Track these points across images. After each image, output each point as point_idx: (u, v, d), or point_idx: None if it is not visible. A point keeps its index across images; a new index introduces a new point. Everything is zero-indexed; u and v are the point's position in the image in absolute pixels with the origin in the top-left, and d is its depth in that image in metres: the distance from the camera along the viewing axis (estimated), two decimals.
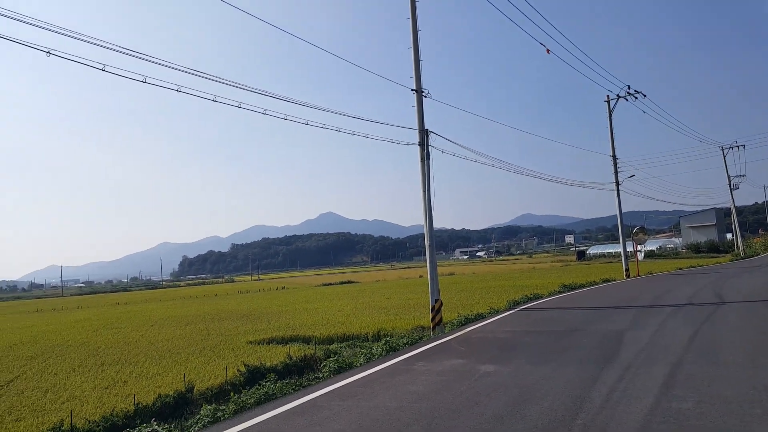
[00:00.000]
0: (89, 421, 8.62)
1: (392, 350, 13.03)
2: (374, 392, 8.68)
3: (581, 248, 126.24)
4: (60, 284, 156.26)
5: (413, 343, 14.00)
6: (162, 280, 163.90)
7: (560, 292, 27.37)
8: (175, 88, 12.54)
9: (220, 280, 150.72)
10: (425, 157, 17.41)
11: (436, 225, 18.21)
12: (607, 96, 39.50)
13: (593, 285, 31.73)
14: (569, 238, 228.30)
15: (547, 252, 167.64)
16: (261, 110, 14.89)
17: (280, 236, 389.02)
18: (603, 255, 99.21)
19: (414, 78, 17.50)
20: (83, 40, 10.79)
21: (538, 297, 24.98)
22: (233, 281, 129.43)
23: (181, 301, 52.03)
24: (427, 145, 17.52)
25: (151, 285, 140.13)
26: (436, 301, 16.36)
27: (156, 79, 12.01)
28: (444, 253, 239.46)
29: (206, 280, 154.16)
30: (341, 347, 15.52)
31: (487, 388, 8.47)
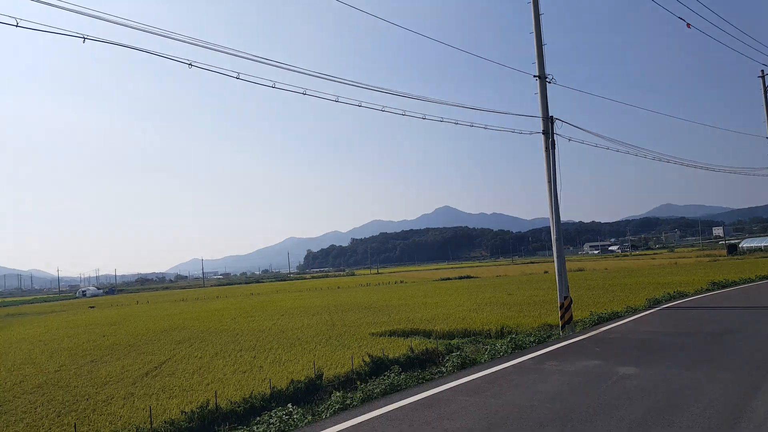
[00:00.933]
0: (231, 402, 9.45)
1: (518, 348, 12.65)
2: (502, 390, 8.48)
3: (732, 241, 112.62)
4: (201, 276, 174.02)
5: (541, 342, 13.49)
6: (289, 273, 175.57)
7: (709, 290, 24.70)
8: (301, 91, 13.30)
9: (342, 273, 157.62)
10: (550, 146, 16.61)
11: (563, 217, 17.30)
12: (762, 71, 34.82)
13: (749, 282, 28.22)
14: (717, 230, 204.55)
15: (692, 246, 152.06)
16: (380, 107, 15.25)
17: (397, 231, 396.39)
18: (759, 249, 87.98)
19: (536, 63, 16.75)
20: (221, 51, 11.81)
21: (682, 295, 22.77)
22: (354, 274, 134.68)
23: (307, 292, 55.29)
24: (552, 134, 16.70)
25: (279, 277, 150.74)
26: (565, 298, 15.58)
27: (282, 83, 12.82)
28: (571, 248, 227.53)
29: (329, 273, 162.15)
30: (463, 343, 15.43)
31: (628, 391, 7.87)
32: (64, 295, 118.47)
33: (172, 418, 8.74)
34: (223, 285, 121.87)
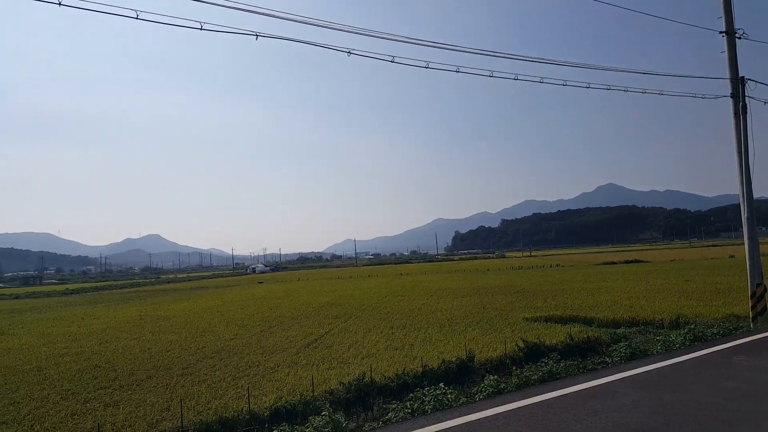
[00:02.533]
0: (384, 377, 9.88)
1: (697, 340, 11.35)
2: (679, 384, 7.67)
3: None
4: (354, 255, 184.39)
5: (726, 334, 11.96)
6: (437, 254, 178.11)
7: None
8: (454, 69, 13.22)
9: (491, 255, 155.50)
10: (740, 112, 14.45)
11: (756, 193, 15.01)
12: None
13: None
14: None
15: None
16: (538, 79, 14.57)
17: (552, 211, 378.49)
18: None
19: (723, 18, 14.64)
20: (377, 37, 12.16)
21: None
22: (504, 257, 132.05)
23: (455, 274, 55.56)
24: (743, 97, 14.51)
25: (427, 258, 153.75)
26: (758, 285, 13.58)
27: (438, 63, 12.83)
28: (764, 228, 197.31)
29: (477, 255, 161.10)
30: (630, 332, 14.27)
31: None
32: (237, 271, 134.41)
33: (331, 387, 9.39)
34: (374, 264, 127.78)
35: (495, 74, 13.78)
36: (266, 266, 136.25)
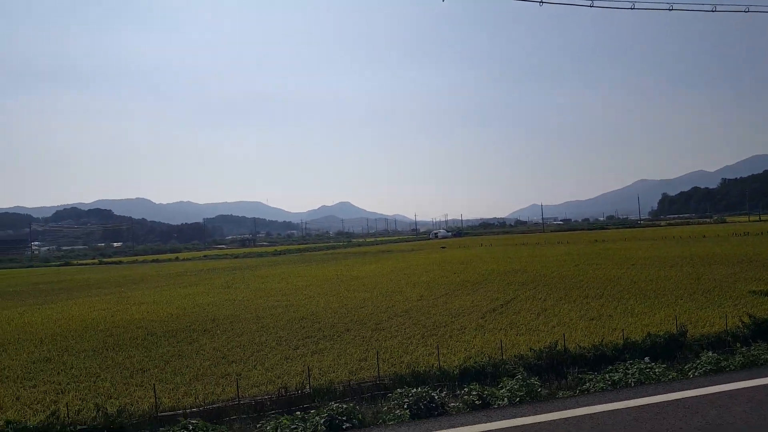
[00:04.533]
0: (579, 346, 9.50)
1: None
2: None
3: None
4: (540, 221, 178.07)
5: None
6: (639, 219, 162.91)
7: None
8: (666, 7, 11.74)
9: (708, 220, 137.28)
10: None
11: None
12: None
13: None
14: None
15: None
16: None
17: None
18: None
19: None
20: None
21: None
22: (724, 222, 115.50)
23: (662, 241, 50.43)
24: None
25: (627, 224, 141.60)
26: None
27: (646, 2, 11.52)
28: None
29: (690, 220, 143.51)
30: None
31: None
32: (420, 236, 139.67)
33: (521, 353, 9.35)
34: (563, 231, 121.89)
35: (718, 8, 11.87)
36: (448, 231, 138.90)
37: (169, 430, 6.56)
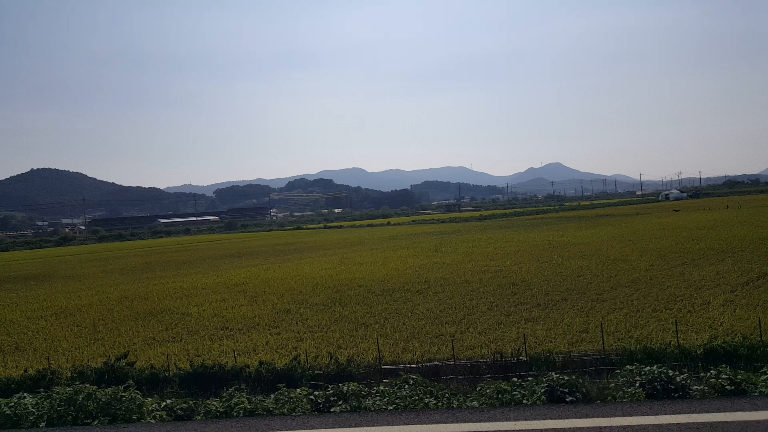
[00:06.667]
0: None
1: None
2: None
3: None
4: None
5: None
6: None
7: None
8: None
9: None
10: None
11: None
12: None
13: None
14: None
15: None
16: None
17: None
18: None
19: None
20: None
21: None
22: None
23: None
24: None
25: None
26: None
27: None
28: None
29: None
30: None
31: None
32: (645, 198, 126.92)
33: None
34: None
35: None
36: (682, 192, 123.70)
37: (392, 382, 7.04)
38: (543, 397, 6.27)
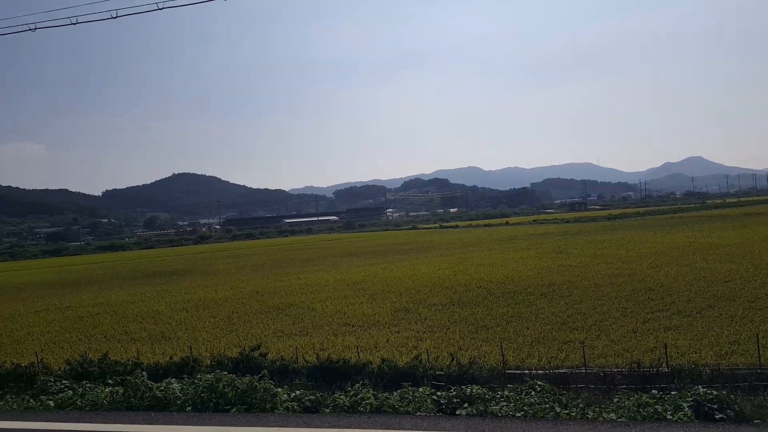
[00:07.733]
0: None
1: None
2: None
3: None
4: None
5: None
6: None
7: None
8: None
9: None
10: None
11: None
12: None
13: None
14: None
15: None
16: None
17: None
18: None
19: None
20: None
21: None
22: None
23: None
24: None
25: None
26: None
27: None
28: None
29: None
30: None
31: None
32: None
33: None
34: None
35: None
36: None
37: (516, 387, 6.85)
38: (689, 411, 5.79)
